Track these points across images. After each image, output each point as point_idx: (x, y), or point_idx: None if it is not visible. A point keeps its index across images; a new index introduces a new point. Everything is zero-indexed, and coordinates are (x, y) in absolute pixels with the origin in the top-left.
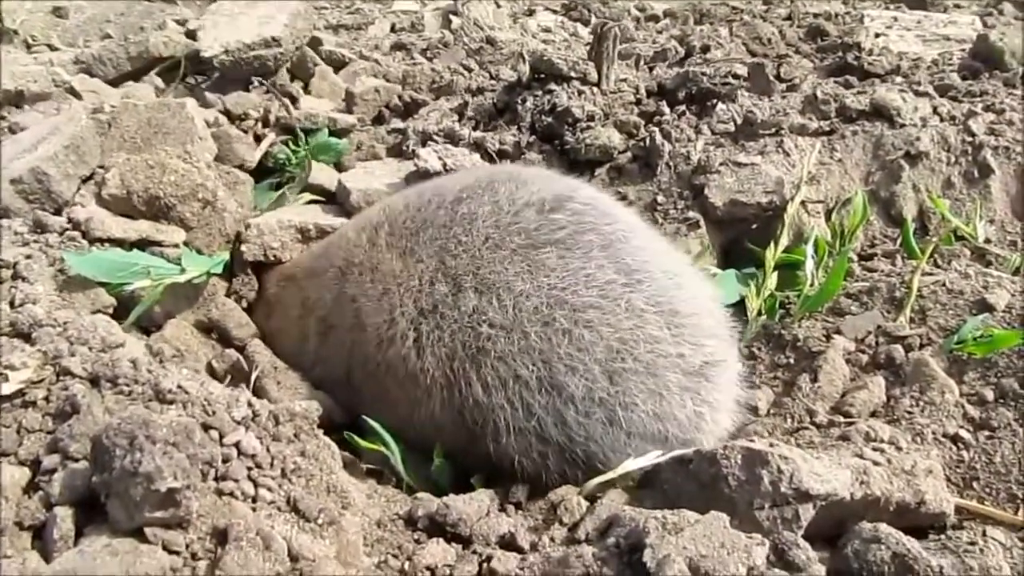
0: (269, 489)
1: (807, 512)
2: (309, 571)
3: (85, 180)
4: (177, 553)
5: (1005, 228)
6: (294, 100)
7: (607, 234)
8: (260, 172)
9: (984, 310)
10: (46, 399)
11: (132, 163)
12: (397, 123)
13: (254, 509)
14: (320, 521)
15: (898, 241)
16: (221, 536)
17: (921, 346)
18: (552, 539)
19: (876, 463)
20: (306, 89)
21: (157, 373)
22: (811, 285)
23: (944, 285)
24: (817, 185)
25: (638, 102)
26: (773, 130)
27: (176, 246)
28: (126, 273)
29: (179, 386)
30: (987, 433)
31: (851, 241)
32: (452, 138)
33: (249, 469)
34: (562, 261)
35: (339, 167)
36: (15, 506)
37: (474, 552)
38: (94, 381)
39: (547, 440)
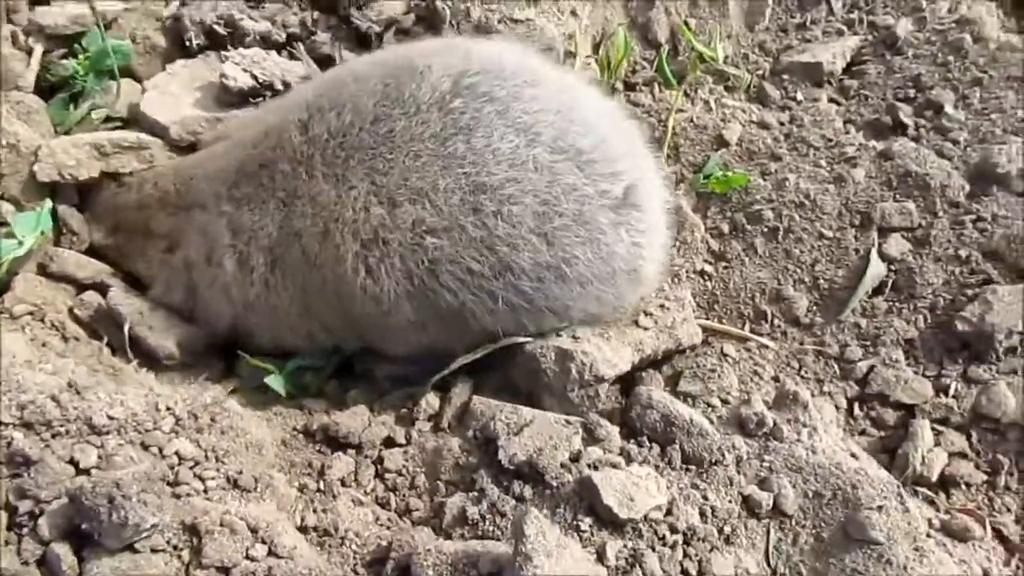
0: (212, 478)
1: (604, 388)
2: (268, 536)
3: None
4: (162, 550)
5: (740, 42)
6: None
7: (503, 99)
8: (41, 91)
9: (722, 146)
10: None
11: None
12: None
13: (208, 499)
14: (258, 489)
15: (655, 66)
16: (192, 528)
17: (677, 183)
18: (420, 431)
19: (646, 328)
20: None
21: (81, 408)
22: None
23: (692, 121)
24: (586, 32)
25: None
26: None
27: None
28: None
29: (108, 416)
30: (724, 264)
31: (616, 73)
32: (234, 27)
33: (191, 468)
34: (468, 146)
35: (127, 73)
36: (14, 545)
37: (366, 456)
38: (28, 427)
39: (517, 309)
